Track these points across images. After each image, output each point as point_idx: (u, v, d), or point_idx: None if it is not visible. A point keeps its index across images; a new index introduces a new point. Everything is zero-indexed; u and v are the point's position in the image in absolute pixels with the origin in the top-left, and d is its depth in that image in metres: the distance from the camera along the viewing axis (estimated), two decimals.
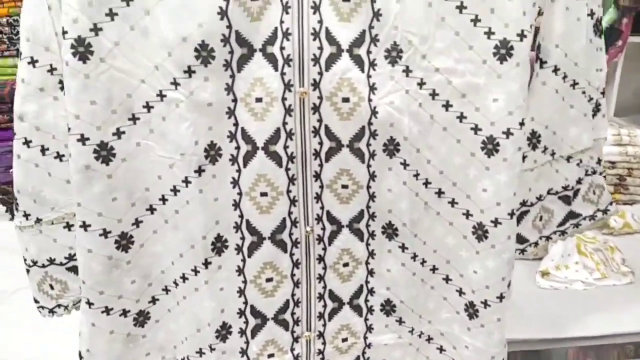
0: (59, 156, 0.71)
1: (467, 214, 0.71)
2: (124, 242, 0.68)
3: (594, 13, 0.70)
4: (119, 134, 0.64)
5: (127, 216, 0.67)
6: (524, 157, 0.72)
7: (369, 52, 0.64)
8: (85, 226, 0.65)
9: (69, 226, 0.75)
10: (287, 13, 0.61)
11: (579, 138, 0.75)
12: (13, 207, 0.76)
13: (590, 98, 0.74)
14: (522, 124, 0.66)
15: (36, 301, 0.81)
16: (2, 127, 1.53)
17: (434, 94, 0.66)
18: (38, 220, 0.74)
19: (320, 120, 0.66)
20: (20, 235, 0.76)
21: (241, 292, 0.72)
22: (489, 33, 0.64)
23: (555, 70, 0.69)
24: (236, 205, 0.69)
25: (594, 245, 1.19)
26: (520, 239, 0.80)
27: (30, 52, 0.65)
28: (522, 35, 0.63)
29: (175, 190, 0.67)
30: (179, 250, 0.70)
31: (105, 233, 0.66)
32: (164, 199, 0.68)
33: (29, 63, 0.66)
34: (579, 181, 0.79)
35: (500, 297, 0.72)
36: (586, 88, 0.73)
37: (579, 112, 0.74)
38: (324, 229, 0.72)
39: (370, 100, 0.65)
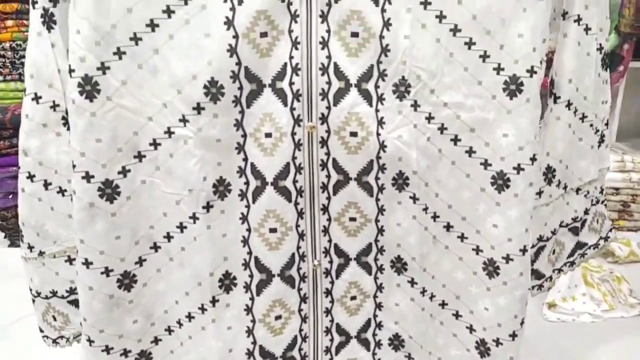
0: (62, 191, 0.70)
1: (477, 250, 0.70)
2: (127, 281, 0.67)
3: (602, 47, 0.70)
4: (124, 172, 0.63)
5: (131, 255, 0.66)
6: (540, 193, 0.71)
7: (377, 86, 0.64)
8: (87, 263, 0.64)
9: (70, 260, 0.74)
10: (297, 49, 0.61)
11: (587, 170, 0.75)
12: (19, 236, 0.76)
13: (596, 130, 0.75)
14: (533, 159, 0.65)
15: (41, 330, 0.81)
16: (3, 153, 1.53)
17: (442, 129, 0.66)
18: (41, 253, 0.73)
19: (328, 154, 0.66)
20: (25, 266, 0.76)
21: (249, 331, 0.70)
22: (499, 69, 0.64)
23: (569, 105, 0.69)
24: (245, 241, 0.68)
25: (600, 274, 1.18)
26: (538, 275, 0.79)
27: (34, 88, 0.65)
28: (532, 72, 0.63)
29: (182, 227, 0.66)
30: (184, 288, 0.68)
31: (107, 271, 0.65)
32: (169, 237, 0.67)
33: (32, 99, 0.66)
34: (586, 212, 0.79)
35: (513, 336, 0.71)
36: (594, 121, 0.73)
37: (587, 144, 0.74)
38: (331, 262, 0.71)
39: (378, 134, 0.65)
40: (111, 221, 0.64)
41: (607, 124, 0.77)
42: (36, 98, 0.66)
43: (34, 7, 0.63)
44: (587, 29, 0.67)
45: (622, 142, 1.74)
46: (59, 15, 0.62)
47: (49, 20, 0.63)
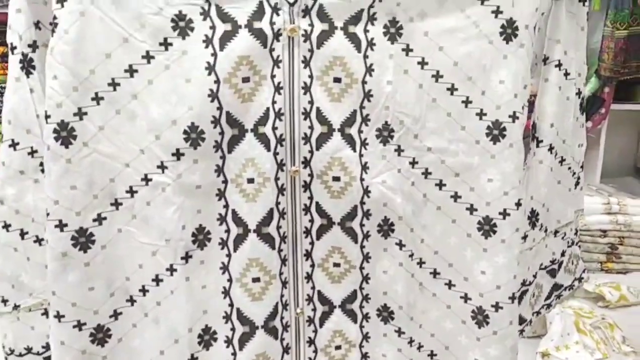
0: (38, 240, 0.67)
1: (466, 297, 0.68)
2: (100, 336, 0.63)
3: (580, 92, 0.71)
4: (99, 219, 0.61)
5: (105, 307, 0.63)
6: (525, 237, 0.70)
7: (360, 131, 0.63)
8: (59, 316, 0.61)
9: (47, 313, 0.71)
10: (280, 94, 0.61)
11: (565, 212, 0.75)
12: None
13: (573, 173, 0.75)
14: (518, 204, 0.65)
15: None
16: None
17: (426, 173, 0.65)
18: (16, 307, 0.70)
19: (311, 198, 0.64)
20: (0, 322, 0.72)
21: None
22: (481, 114, 0.64)
23: (551, 149, 0.69)
24: (226, 292, 0.65)
25: (592, 320, 1.16)
26: (520, 320, 0.77)
27: (11, 134, 0.64)
28: (514, 117, 0.63)
29: (157, 280, 0.63)
30: (159, 347, 0.65)
31: (79, 325, 0.62)
32: (144, 290, 0.64)
33: (9, 146, 0.64)
34: (562, 254, 0.79)
35: None
36: (571, 164, 0.73)
37: (565, 187, 0.74)
38: (314, 309, 0.68)
39: (362, 179, 0.64)
40: (84, 271, 0.61)
41: (582, 167, 0.78)
42: (13, 145, 0.64)
43: (12, 53, 0.62)
44: (566, 74, 0.68)
45: (607, 184, 1.76)
46: (38, 61, 0.61)
47: (27, 66, 0.62)
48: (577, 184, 0.76)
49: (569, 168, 0.73)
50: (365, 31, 0.61)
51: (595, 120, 1.66)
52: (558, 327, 1.13)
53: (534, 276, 0.76)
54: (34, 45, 0.62)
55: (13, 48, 0.62)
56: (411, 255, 0.67)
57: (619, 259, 1.50)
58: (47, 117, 0.58)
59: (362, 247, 0.66)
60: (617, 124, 1.82)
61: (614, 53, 1.57)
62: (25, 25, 0.61)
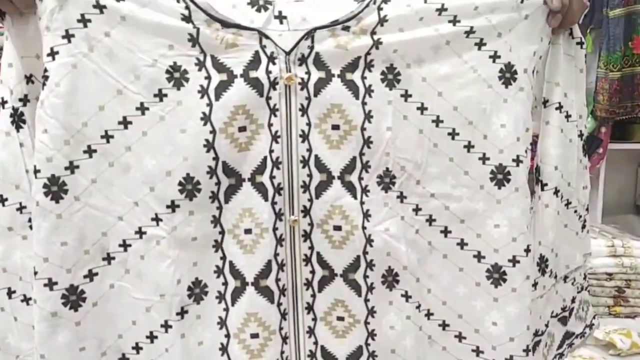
0: (26, 299, 0.64)
1: (477, 351, 0.65)
2: None
3: (582, 134, 0.70)
4: (91, 276, 0.59)
5: None
6: (535, 285, 0.67)
7: (360, 178, 0.61)
8: None
9: None
10: (277, 142, 0.60)
11: (573, 257, 0.73)
12: None
13: (580, 216, 0.73)
14: (527, 250, 0.62)
15: None
16: None
17: (430, 220, 0.64)
18: None
19: (311, 248, 0.62)
20: None
21: None
22: (484, 158, 0.62)
23: (556, 192, 0.67)
24: (223, 349, 0.62)
25: None
26: None
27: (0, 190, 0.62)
28: (518, 161, 0.62)
29: (151, 337, 0.60)
30: None
31: None
32: (138, 348, 0.61)
33: None
34: (572, 300, 0.76)
35: None
36: (577, 207, 0.72)
37: (572, 230, 0.72)
38: None
39: (364, 227, 0.61)
40: (75, 331, 0.58)
41: (587, 209, 0.76)
42: (2, 200, 0.62)
43: (3, 107, 0.61)
44: (567, 116, 0.67)
45: (608, 223, 1.74)
46: (29, 115, 0.60)
47: (18, 120, 0.61)
48: (583, 226, 0.74)
49: (575, 211, 0.71)
50: (363, 78, 0.60)
51: (594, 160, 1.65)
52: None
53: (546, 325, 0.73)
54: (24, 99, 0.61)
55: (4, 102, 0.61)
56: (418, 307, 0.64)
57: (626, 302, 1.46)
58: (36, 172, 0.56)
59: (366, 300, 0.63)
60: (615, 163, 1.82)
61: (608, 94, 1.58)
62: (17, 80, 0.60)
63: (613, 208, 1.94)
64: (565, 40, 0.65)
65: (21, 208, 0.62)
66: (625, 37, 1.57)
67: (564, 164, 0.67)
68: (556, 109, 0.66)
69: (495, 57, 0.61)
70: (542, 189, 0.67)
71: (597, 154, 1.71)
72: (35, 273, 0.57)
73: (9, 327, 0.65)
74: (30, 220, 0.62)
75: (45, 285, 0.57)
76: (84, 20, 0.55)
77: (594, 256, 1.44)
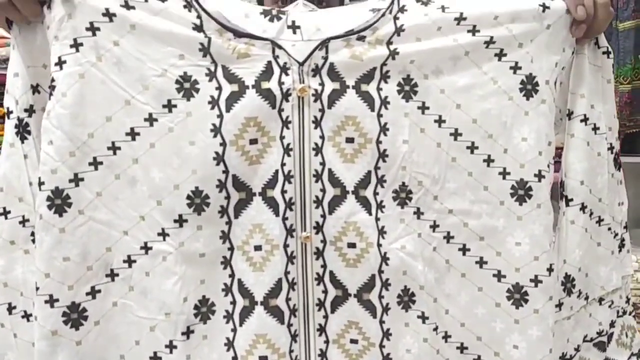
0: (27, 316, 0.62)
1: None
2: None
3: (613, 147, 0.67)
4: (93, 293, 0.56)
5: None
6: (560, 305, 0.64)
7: (375, 193, 0.59)
8: None
9: None
10: (289, 155, 0.58)
11: (609, 278, 0.69)
12: None
13: (615, 234, 0.70)
14: (550, 269, 0.60)
15: None
16: None
17: (448, 237, 0.61)
18: None
19: (324, 266, 0.59)
20: None
21: None
22: (504, 173, 0.60)
23: (583, 208, 0.64)
24: None
25: None
26: None
27: (3, 202, 0.60)
28: (540, 176, 0.59)
29: (156, 358, 0.58)
30: None
31: None
32: None
33: (0, 214, 0.60)
34: (612, 324, 0.72)
35: None
36: (611, 224, 0.68)
37: (607, 249, 0.68)
38: None
39: (379, 245, 0.59)
40: (76, 351, 0.56)
41: (626, 227, 0.72)
42: (4, 213, 0.60)
43: (8, 117, 0.59)
44: (595, 129, 0.64)
45: None
46: (34, 126, 0.58)
47: (23, 131, 0.59)
48: (621, 246, 0.71)
49: (609, 229, 0.68)
50: (379, 89, 0.58)
51: None
52: None
53: (576, 349, 0.69)
54: (30, 110, 0.59)
55: (9, 112, 0.59)
56: (436, 329, 0.61)
57: None
58: (40, 184, 0.54)
59: (381, 322, 0.60)
60: (625, 176, 1.80)
61: (619, 107, 1.57)
62: (22, 90, 0.58)
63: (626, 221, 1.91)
64: (591, 50, 0.63)
65: (24, 221, 0.60)
66: (635, 50, 1.56)
67: (592, 179, 0.64)
68: (581, 121, 0.63)
69: (516, 68, 0.59)
70: (567, 205, 0.64)
71: None
72: (37, 289, 0.55)
73: (8, 344, 0.62)
74: (32, 234, 0.60)
75: (46, 302, 0.54)
76: (92, 29, 0.54)
77: None
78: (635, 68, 1.57)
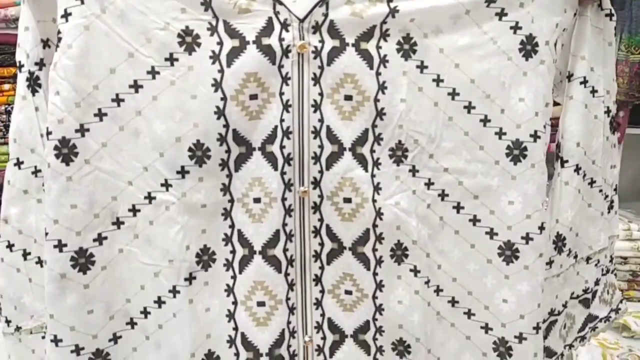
0: (40, 262, 0.65)
1: (487, 328, 0.64)
2: None
3: (610, 110, 0.68)
4: (100, 239, 0.59)
5: (104, 331, 0.60)
6: (550, 263, 0.66)
7: (372, 151, 0.60)
8: (56, 341, 0.59)
9: None
10: (288, 111, 0.59)
11: (597, 238, 0.71)
12: None
13: (606, 196, 0.71)
14: (541, 228, 0.61)
15: None
16: None
17: (443, 195, 0.62)
18: (18, 329, 0.68)
19: (321, 220, 0.61)
20: (5, 342, 0.70)
21: None
22: (500, 133, 0.61)
23: (577, 169, 0.65)
24: (230, 316, 0.62)
25: (618, 352, 1.10)
26: (549, 353, 0.72)
27: (16, 153, 0.62)
28: (535, 136, 0.60)
29: (160, 302, 0.61)
30: None
31: (77, 350, 0.59)
32: (146, 312, 0.61)
33: (14, 164, 0.63)
34: (596, 282, 0.74)
35: None
36: (603, 186, 0.69)
37: (597, 210, 0.70)
38: (324, 338, 0.65)
39: (374, 200, 0.61)
40: (84, 294, 0.59)
41: (615, 190, 0.73)
42: (18, 163, 0.63)
43: (20, 71, 0.61)
44: (593, 91, 0.64)
45: (624, 208, 1.71)
46: (44, 79, 0.60)
47: (33, 84, 0.61)
48: (610, 207, 0.72)
49: (600, 190, 0.69)
50: (378, 47, 0.59)
51: None
52: None
53: (564, 305, 0.72)
54: (40, 63, 0.60)
55: (21, 66, 0.61)
56: (427, 282, 0.64)
57: None
58: (48, 133, 0.56)
59: (374, 274, 0.63)
60: (632, 148, 1.79)
61: (629, 77, 1.54)
62: (33, 43, 0.60)
63: (629, 193, 1.91)
64: (594, 12, 0.63)
65: (36, 172, 0.63)
66: None
67: (588, 141, 0.65)
68: (580, 83, 0.64)
69: (516, 28, 0.59)
70: (562, 166, 0.65)
71: None
72: (46, 234, 0.57)
73: (24, 287, 0.66)
74: (44, 184, 0.62)
75: (55, 246, 0.57)
76: None
77: None
78: None
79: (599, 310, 0.76)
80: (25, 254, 0.65)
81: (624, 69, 1.57)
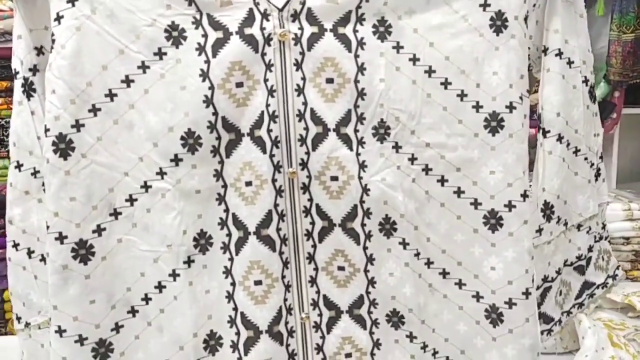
0: (43, 259, 0.68)
1: (478, 296, 0.66)
2: (102, 350, 0.63)
3: (587, 80, 0.70)
4: (99, 230, 0.62)
5: (106, 320, 0.63)
6: (540, 230, 0.68)
7: (356, 130, 0.63)
8: (60, 331, 0.61)
9: None
10: (273, 97, 0.62)
11: (586, 205, 0.73)
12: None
13: (591, 164, 0.73)
14: (524, 195, 0.63)
15: None
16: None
17: (427, 169, 0.65)
18: (27, 325, 0.70)
19: (310, 200, 0.64)
20: (18, 339, 0.72)
21: None
22: (477, 107, 0.63)
23: (560, 138, 0.68)
24: (230, 296, 0.64)
25: (624, 332, 1.11)
26: (546, 319, 0.74)
27: (16, 156, 0.66)
28: (511, 107, 0.62)
29: (160, 287, 0.63)
30: (164, 356, 0.64)
31: (81, 340, 0.61)
32: (147, 298, 0.64)
33: (15, 167, 0.66)
34: (590, 249, 0.76)
35: None
36: (587, 154, 0.71)
37: (584, 178, 0.72)
38: (320, 315, 0.67)
39: (360, 178, 0.63)
40: (85, 284, 0.61)
41: (601, 157, 0.75)
42: (18, 166, 0.66)
43: (16, 78, 0.65)
44: (569, 62, 0.67)
45: (623, 189, 1.71)
46: (38, 84, 0.64)
47: (28, 89, 0.64)
48: (597, 175, 0.74)
49: (586, 159, 0.71)
50: (355, 31, 0.61)
51: (608, 125, 1.62)
52: (591, 342, 1.07)
53: (558, 272, 0.73)
54: (34, 69, 0.64)
55: (16, 73, 0.65)
56: (417, 255, 0.66)
57: None
58: (46, 130, 0.59)
59: (365, 248, 0.65)
60: (629, 128, 1.78)
61: (622, 57, 1.55)
62: (26, 50, 0.64)
63: (627, 174, 1.91)
64: None
65: (35, 173, 0.66)
66: None
67: (568, 111, 0.68)
68: (556, 55, 0.66)
69: (485, 5, 0.62)
70: (545, 136, 0.68)
71: (611, 118, 1.68)
72: (48, 227, 0.60)
73: (30, 284, 0.69)
74: (43, 184, 0.65)
75: (56, 239, 0.60)
76: None
77: (610, 220, 1.43)
78: (638, 17, 1.55)
79: (595, 277, 0.78)
80: (30, 252, 0.68)
81: (617, 48, 1.57)
